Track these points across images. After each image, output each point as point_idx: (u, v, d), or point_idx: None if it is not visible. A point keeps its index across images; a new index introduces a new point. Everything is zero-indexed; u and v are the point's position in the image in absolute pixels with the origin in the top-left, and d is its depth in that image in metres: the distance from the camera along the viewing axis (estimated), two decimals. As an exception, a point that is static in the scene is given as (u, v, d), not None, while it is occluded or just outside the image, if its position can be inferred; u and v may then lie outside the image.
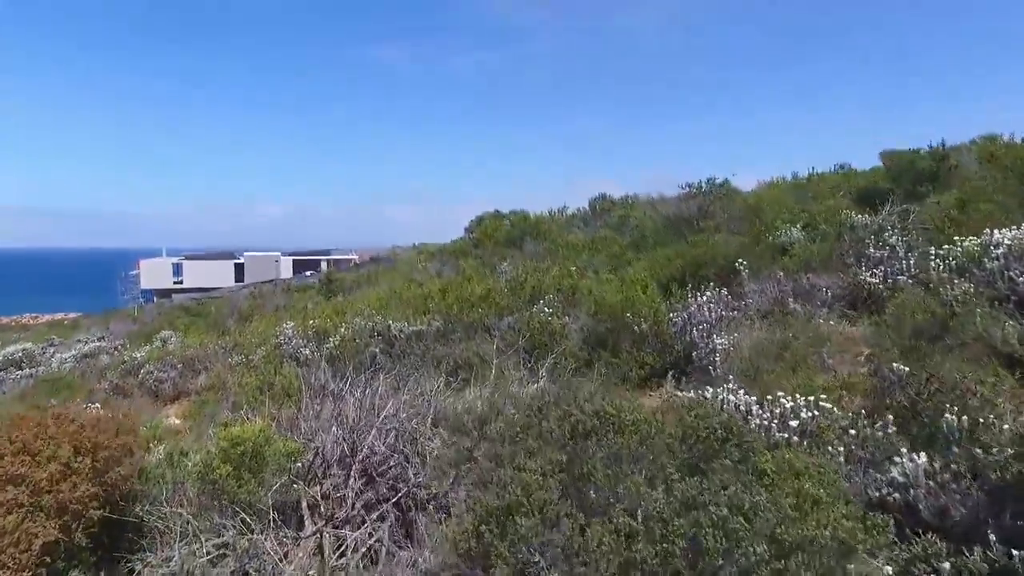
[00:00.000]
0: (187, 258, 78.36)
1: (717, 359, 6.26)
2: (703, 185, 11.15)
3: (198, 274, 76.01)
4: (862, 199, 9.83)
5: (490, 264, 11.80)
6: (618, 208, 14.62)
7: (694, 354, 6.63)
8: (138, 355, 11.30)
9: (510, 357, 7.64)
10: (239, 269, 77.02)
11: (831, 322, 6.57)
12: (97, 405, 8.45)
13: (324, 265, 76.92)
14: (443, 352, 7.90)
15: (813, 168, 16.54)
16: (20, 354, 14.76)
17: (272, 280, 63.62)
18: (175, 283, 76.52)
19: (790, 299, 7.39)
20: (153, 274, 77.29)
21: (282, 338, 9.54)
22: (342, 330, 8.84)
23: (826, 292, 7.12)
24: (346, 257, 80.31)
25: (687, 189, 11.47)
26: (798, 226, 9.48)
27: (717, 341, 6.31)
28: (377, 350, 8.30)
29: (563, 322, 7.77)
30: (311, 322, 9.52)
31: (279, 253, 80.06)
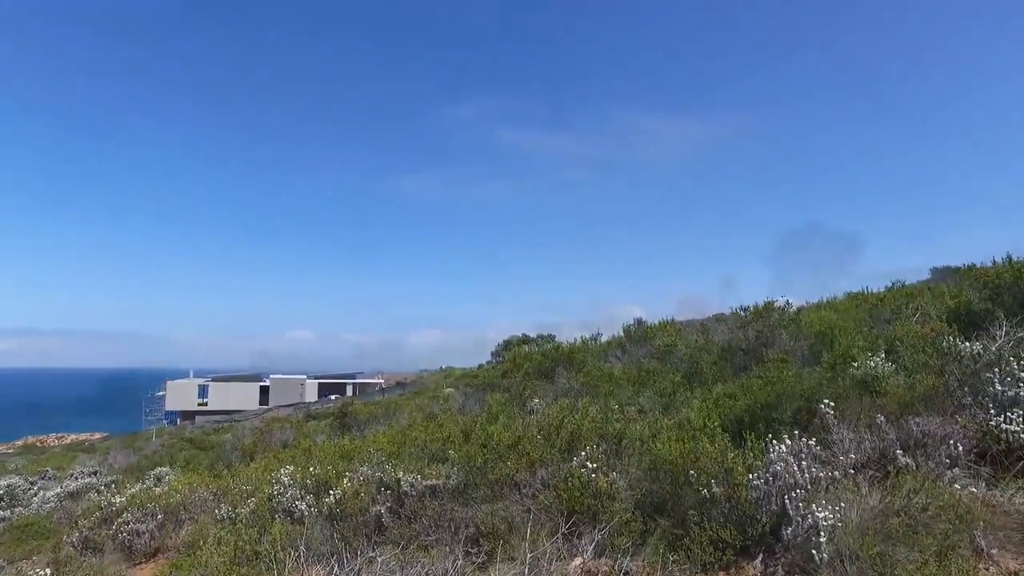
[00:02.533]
0: (213, 380, 78.27)
1: (822, 539, 4.71)
2: (761, 308, 9.92)
3: (223, 396, 75.50)
4: (954, 322, 8.42)
5: (519, 399, 10.43)
6: (659, 335, 13.32)
7: (786, 530, 5.07)
8: (118, 499, 9.93)
9: (544, 524, 6.15)
10: (264, 392, 76.39)
11: (970, 487, 5.00)
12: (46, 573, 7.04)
13: (350, 389, 75.98)
14: (462, 515, 6.42)
15: (867, 287, 15.26)
16: (2, 491, 13.45)
17: (295, 404, 62.57)
18: (200, 404, 75.92)
19: (898, 451, 5.86)
20: (179, 395, 77.01)
21: (277, 487, 8.13)
22: (345, 481, 7.42)
23: (952, 444, 5.56)
24: (372, 381, 79.32)
25: (741, 312, 10.24)
26: (880, 355, 8.04)
27: (819, 514, 4.77)
28: (383, 509, 6.84)
29: (609, 479, 6.29)
30: (312, 469, 8.13)
31: (305, 376, 79.56)
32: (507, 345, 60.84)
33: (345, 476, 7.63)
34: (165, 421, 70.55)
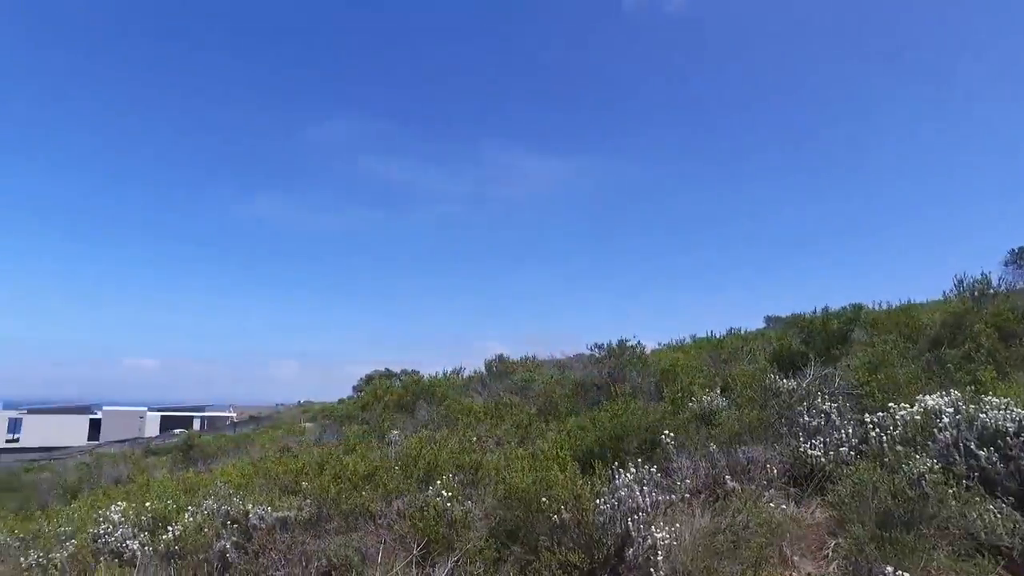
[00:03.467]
0: (29, 412, 68.93)
1: (659, 558, 5.10)
2: (615, 347, 10.60)
3: (41, 431, 66.59)
4: (776, 362, 9.49)
5: (378, 431, 10.30)
6: (519, 370, 13.74)
7: (629, 551, 5.43)
8: None
9: (399, 554, 6.12)
10: (95, 425, 68.42)
11: (782, 505, 5.65)
12: None
13: (197, 423, 70.26)
14: (314, 547, 6.23)
15: (711, 332, 16.72)
16: None
17: (133, 439, 56.84)
18: (8, 441, 66.41)
19: (727, 476, 6.49)
20: (-17, 431, 67.02)
21: (105, 526, 7.42)
22: (187, 516, 6.94)
23: (769, 468, 6.27)
24: (223, 414, 74.02)
25: (595, 351, 10.87)
26: (716, 392, 8.88)
27: (657, 535, 5.18)
28: (228, 544, 6.47)
29: (465, 508, 6.40)
30: (148, 504, 7.51)
31: (145, 408, 72.56)
32: (369, 380, 59.32)
33: (187, 511, 7.13)
34: (-36, 460, 61.08)
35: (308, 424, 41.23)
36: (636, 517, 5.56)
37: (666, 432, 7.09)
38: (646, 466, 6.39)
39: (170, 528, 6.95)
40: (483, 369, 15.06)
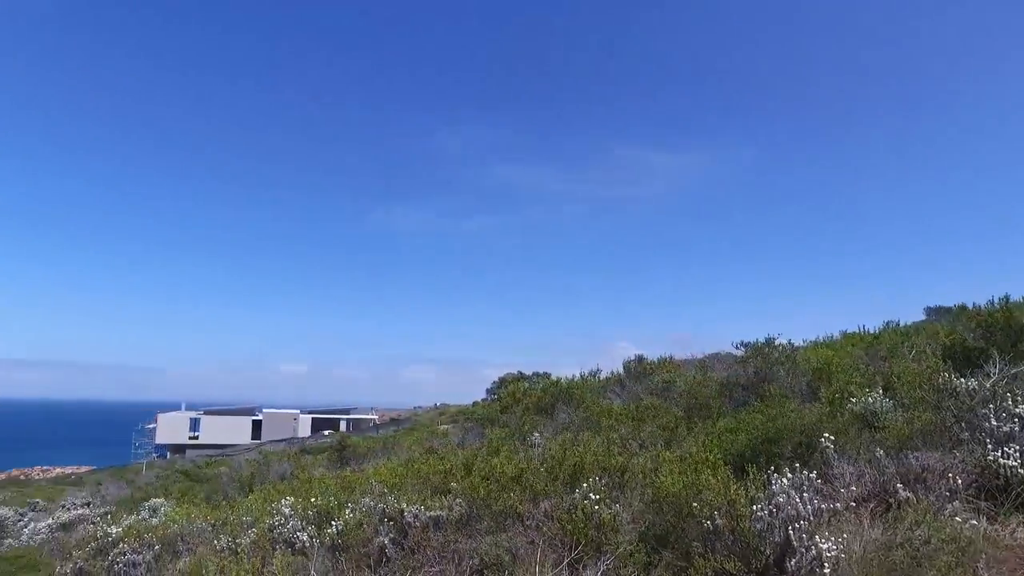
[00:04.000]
0: (205, 413, 77.31)
1: (826, 570, 4.76)
2: (762, 345, 10.06)
3: (215, 430, 74.50)
4: (949, 360, 8.56)
5: (519, 434, 10.46)
6: (658, 371, 13.42)
7: (790, 561, 5.13)
8: (114, 530, 9.84)
9: (548, 555, 6.17)
10: (256, 426, 75.47)
11: (971, 521, 5.07)
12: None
13: (343, 424, 75.21)
14: (466, 546, 6.44)
15: (862, 326, 15.46)
16: (-5, 522, 13.30)
17: (289, 439, 61.91)
18: (191, 438, 74.86)
19: (898, 485, 5.94)
20: (170, 428, 75.97)
21: (278, 518, 8.11)
22: (348, 513, 7.42)
23: (950, 478, 5.65)
24: (366, 417, 78.66)
25: (741, 349, 10.36)
26: (878, 392, 8.16)
27: (823, 546, 4.84)
28: (387, 540, 6.84)
29: (613, 511, 6.34)
30: (313, 499, 8.12)
31: (298, 411, 78.82)
32: (502, 382, 60.61)
33: (347, 507, 7.63)
34: (155, 454, 69.46)
35: (445, 426, 42.85)
36: (797, 526, 5.23)
37: (825, 435, 6.62)
38: (804, 471, 6.01)
39: (333, 523, 7.45)
40: (620, 370, 14.88)
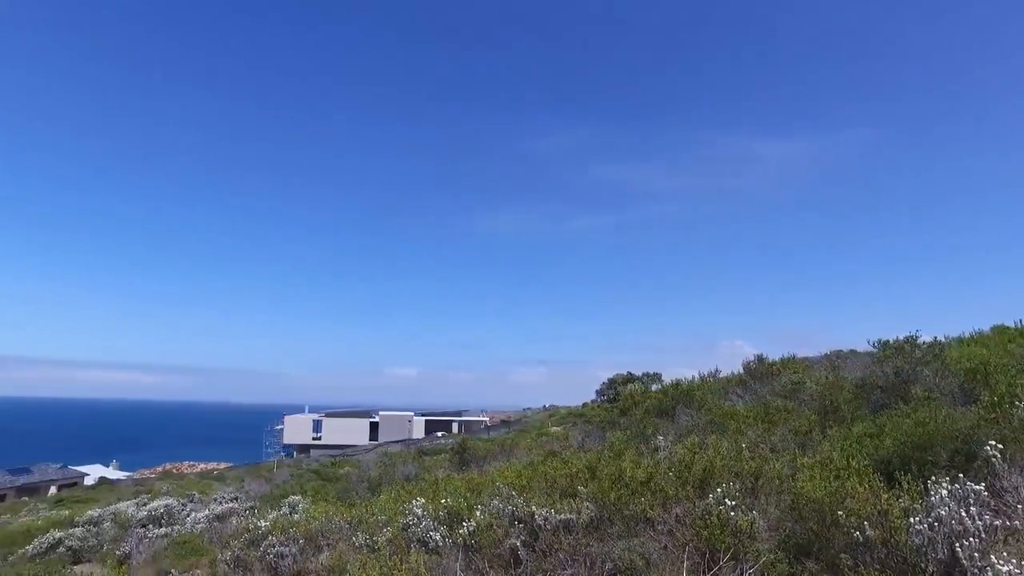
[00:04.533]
0: (327, 415, 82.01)
1: (1004, 596, 4.35)
2: (903, 342, 9.31)
3: (336, 431, 78.83)
4: None
5: (641, 437, 10.33)
6: (783, 371, 12.81)
7: (958, 581, 4.73)
8: (263, 524, 10.64)
9: (682, 561, 6.06)
10: (374, 428, 79.14)
11: None
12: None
13: (455, 426, 77.27)
14: (598, 550, 6.44)
15: (1020, 320, 14.03)
16: (162, 510, 14.78)
17: (404, 440, 64.33)
18: (314, 439, 79.62)
19: (1085, 502, 5.34)
20: (295, 429, 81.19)
21: (411, 518, 8.46)
22: (478, 514, 7.63)
23: None
24: (477, 419, 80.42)
25: (878, 348, 9.65)
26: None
27: (1001, 568, 4.42)
28: (518, 542, 6.96)
29: (749, 518, 6.12)
30: (443, 501, 8.40)
31: (412, 413, 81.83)
32: (611, 383, 60.04)
33: (476, 509, 7.83)
34: (283, 454, 74.37)
35: (556, 428, 42.97)
36: (965, 543, 4.82)
37: (991, 443, 6.06)
38: (968, 482, 5.52)
39: (464, 523, 7.68)
40: (739, 371, 14.34)
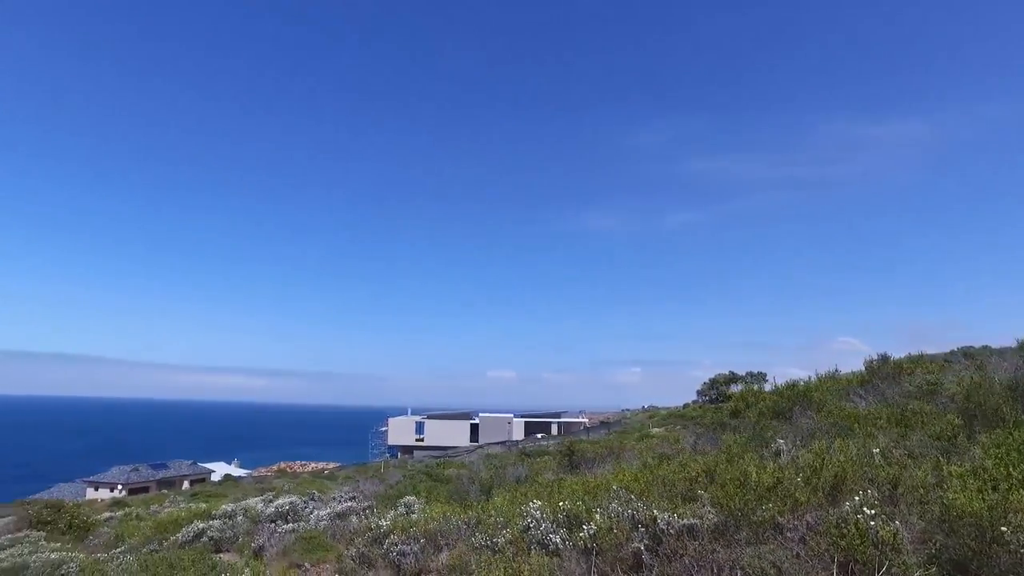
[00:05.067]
0: (428, 417, 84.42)
1: None
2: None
3: (437, 432, 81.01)
4: None
5: (760, 439, 9.99)
6: (913, 371, 12.00)
7: None
8: (383, 523, 11.11)
9: (818, 571, 5.82)
10: (474, 429, 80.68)
11: None
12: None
13: (555, 428, 77.51)
14: (725, 556, 6.30)
15: None
16: (287, 507, 15.74)
17: (504, 441, 65.15)
18: (417, 440, 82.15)
19: None
20: (399, 431, 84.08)
21: (529, 520, 8.59)
22: (597, 517, 7.64)
23: None
24: (576, 420, 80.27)
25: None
26: None
27: None
28: (642, 546, 6.93)
29: (892, 529, 5.80)
30: (560, 503, 8.48)
31: (511, 415, 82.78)
32: (713, 383, 58.35)
33: (596, 511, 7.85)
34: (388, 454, 77.20)
35: (656, 429, 42.19)
36: None
37: None
38: None
39: (584, 526, 7.71)
40: (861, 370, 13.56)
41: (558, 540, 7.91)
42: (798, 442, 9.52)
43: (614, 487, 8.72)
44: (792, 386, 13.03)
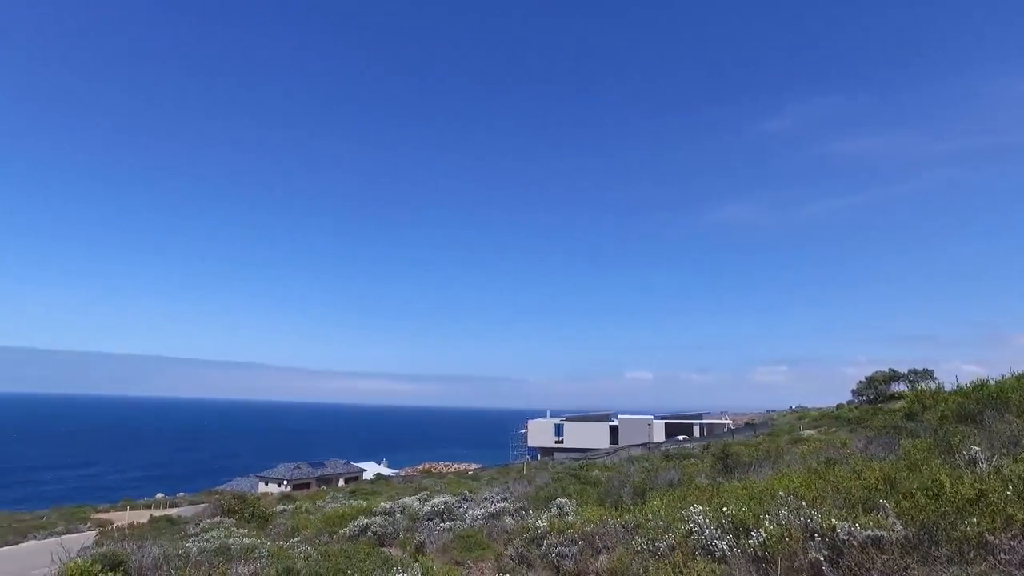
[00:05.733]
0: (567, 419, 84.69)
1: None
2: None
3: (576, 434, 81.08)
4: None
5: (945, 445, 9.08)
6: None
7: None
8: (540, 524, 11.31)
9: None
10: (614, 431, 79.92)
11: None
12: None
13: (696, 429, 74.99)
14: (920, 574, 5.80)
15: None
16: (443, 506, 16.48)
17: (644, 444, 63.97)
18: (556, 442, 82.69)
19: None
20: (538, 433, 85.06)
21: (691, 524, 8.39)
22: (767, 524, 7.32)
23: None
24: (718, 421, 77.20)
25: None
26: None
27: None
28: (820, 556, 6.55)
29: None
30: (723, 508, 8.21)
31: (651, 416, 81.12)
32: (870, 382, 53.75)
33: (765, 518, 7.52)
34: (528, 456, 78.38)
35: (809, 432, 39.50)
36: None
37: None
38: None
39: (752, 533, 7.41)
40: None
41: (724, 546, 7.66)
42: (1000, 450, 8.57)
43: (780, 493, 8.30)
44: (981, 385, 11.62)
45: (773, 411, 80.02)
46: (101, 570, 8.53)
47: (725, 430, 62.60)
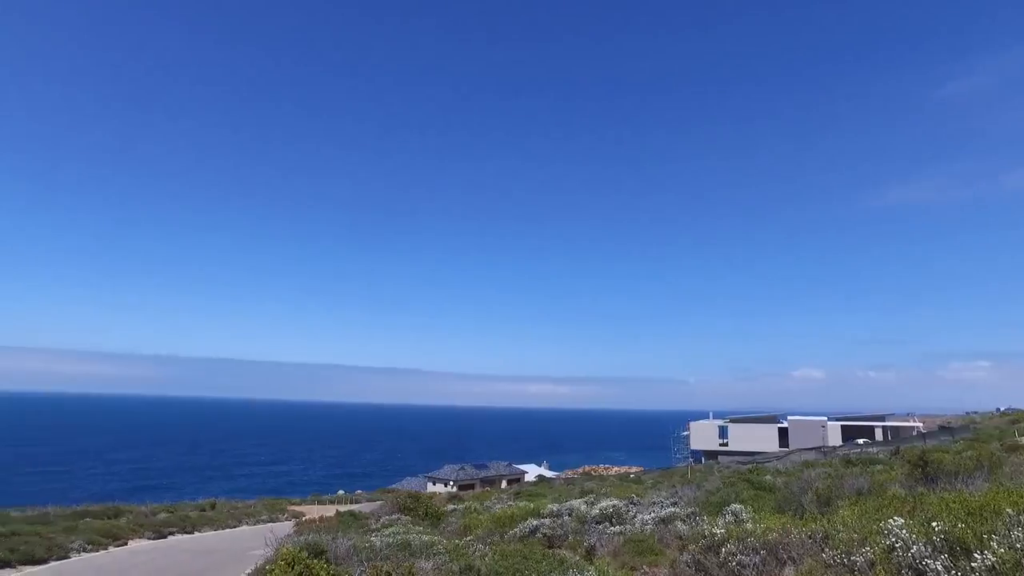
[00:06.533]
0: (732, 421, 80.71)
1: None
2: None
3: (742, 437, 77.00)
4: None
5: None
6: None
7: None
8: (717, 531, 10.82)
9: None
10: (783, 434, 74.92)
11: None
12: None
13: (879, 432, 68.28)
14: None
15: None
16: (611, 510, 16.35)
17: (818, 447, 59.33)
18: (720, 445, 79.11)
19: None
20: (701, 436, 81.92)
21: (893, 539, 7.59)
22: (994, 545, 6.43)
23: None
24: (906, 424, 69.72)
25: None
26: None
27: None
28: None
29: None
30: (935, 525, 7.34)
31: (824, 418, 75.02)
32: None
33: (991, 539, 6.61)
34: (691, 459, 75.71)
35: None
36: None
37: None
38: None
39: (975, 555, 6.54)
40: None
41: (939, 567, 6.83)
42: None
43: (1009, 511, 7.26)
44: None
45: (974, 412, 70.91)
46: (308, 556, 9.44)
47: (915, 433, 56.38)
